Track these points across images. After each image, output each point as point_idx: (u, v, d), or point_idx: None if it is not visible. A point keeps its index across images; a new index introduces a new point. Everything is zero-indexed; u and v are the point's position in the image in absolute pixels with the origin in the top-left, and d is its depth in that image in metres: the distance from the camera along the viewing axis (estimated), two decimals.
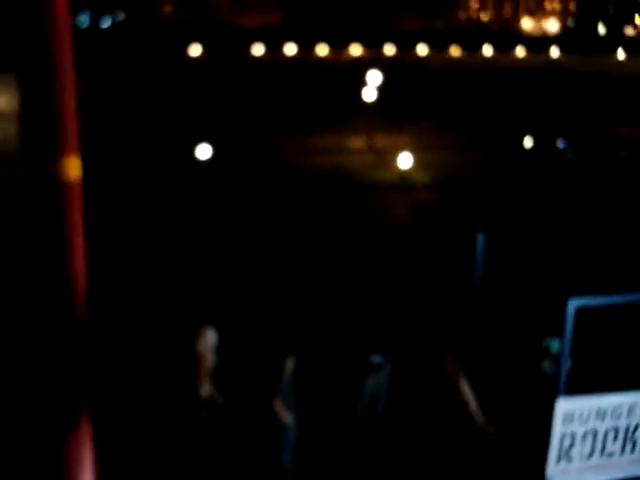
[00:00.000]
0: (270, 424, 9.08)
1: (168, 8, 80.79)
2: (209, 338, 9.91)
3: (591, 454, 9.00)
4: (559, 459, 8.88)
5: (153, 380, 10.91)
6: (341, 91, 38.63)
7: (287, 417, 8.95)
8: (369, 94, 33.95)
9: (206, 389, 9.75)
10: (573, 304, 8.20)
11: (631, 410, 8.91)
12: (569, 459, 8.90)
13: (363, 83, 36.14)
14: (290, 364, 8.99)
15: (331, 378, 11.27)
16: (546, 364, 9.07)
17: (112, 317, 12.22)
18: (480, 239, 10.48)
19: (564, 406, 8.62)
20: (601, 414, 8.81)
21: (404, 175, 23.95)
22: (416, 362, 11.48)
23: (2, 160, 14.86)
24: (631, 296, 8.47)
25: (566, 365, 8.47)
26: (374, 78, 36.13)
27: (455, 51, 54.31)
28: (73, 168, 1.68)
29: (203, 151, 24.70)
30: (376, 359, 10.09)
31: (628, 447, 9.08)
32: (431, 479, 9.52)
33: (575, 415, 8.72)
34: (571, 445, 8.86)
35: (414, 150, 25.10)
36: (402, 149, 25.16)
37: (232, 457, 9.63)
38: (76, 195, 1.89)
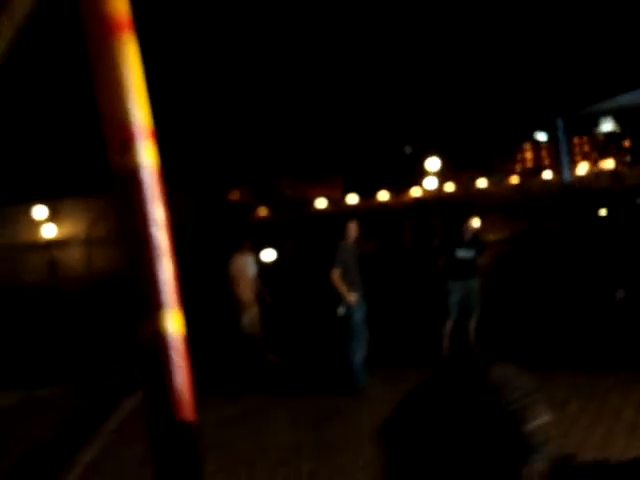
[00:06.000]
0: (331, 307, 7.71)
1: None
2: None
3: None
4: None
5: None
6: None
7: (350, 296, 7.56)
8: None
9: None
10: None
11: None
12: None
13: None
14: (354, 226, 7.73)
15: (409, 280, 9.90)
16: None
17: None
18: None
19: None
20: None
21: None
22: None
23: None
24: None
25: None
26: None
27: (514, 180, 54.55)
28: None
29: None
30: (462, 253, 8.68)
31: None
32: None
33: None
34: None
35: None
36: None
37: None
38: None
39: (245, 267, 9.11)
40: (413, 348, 9.19)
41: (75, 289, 20.57)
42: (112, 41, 1.73)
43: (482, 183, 53.64)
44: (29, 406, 8.55)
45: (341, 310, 7.60)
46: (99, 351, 10.77)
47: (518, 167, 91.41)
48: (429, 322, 9.31)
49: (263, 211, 52.67)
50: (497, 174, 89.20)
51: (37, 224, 25.55)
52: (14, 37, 1.51)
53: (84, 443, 6.98)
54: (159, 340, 1.69)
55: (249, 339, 9.05)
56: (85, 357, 10.77)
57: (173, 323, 1.70)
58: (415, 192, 54.10)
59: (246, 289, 9.08)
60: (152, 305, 1.68)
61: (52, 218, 25.87)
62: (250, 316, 9.05)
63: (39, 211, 25.51)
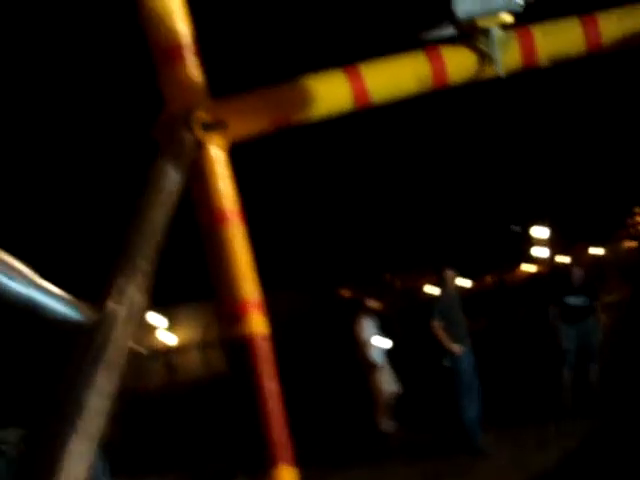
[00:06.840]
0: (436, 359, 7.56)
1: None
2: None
3: None
4: None
5: None
6: None
7: (454, 347, 7.39)
8: None
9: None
10: None
11: None
12: None
13: None
14: (451, 274, 7.62)
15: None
16: None
17: None
18: None
19: None
20: None
21: None
22: None
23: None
24: None
25: None
26: None
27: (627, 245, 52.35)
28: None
29: None
30: (573, 300, 8.28)
31: None
32: None
33: None
34: None
35: None
36: None
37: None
38: None
39: (371, 328, 9.13)
40: (530, 401, 8.80)
41: (193, 390, 21.01)
42: (222, 228, 1.91)
43: (594, 251, 51.73)
44: None
45: (447, 361, 7.47)
46: (207, 448, 10.92)
47: (630, 232, 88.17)
48: (546, 373, 8.92)
49: (373, 304, 52.43)
50: (609, 242, 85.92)
51: (155, 331, 26.47)
52: (170, 212, 1.67)
53: None
54: None
55: (371, 403, 8.96)
56: (193, 453, 10.94)
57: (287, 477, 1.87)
58: (525, 268, 52.72)
59: (374, 349, 9.02)
60: (269, 462, 1.87)
61: (169, 325, 26.82)
62: (382, 376, 8.96)
63: (156, 319, 26.40)
